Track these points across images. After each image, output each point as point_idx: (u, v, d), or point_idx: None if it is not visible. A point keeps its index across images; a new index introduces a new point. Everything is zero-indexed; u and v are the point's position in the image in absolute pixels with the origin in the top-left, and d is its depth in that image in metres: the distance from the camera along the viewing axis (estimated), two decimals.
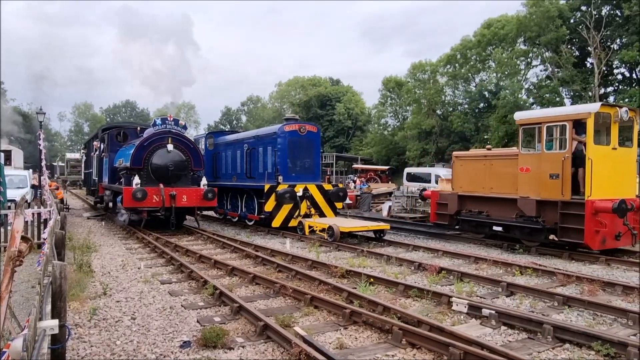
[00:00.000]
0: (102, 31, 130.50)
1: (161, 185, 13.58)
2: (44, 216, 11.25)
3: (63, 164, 54.35)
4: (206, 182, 14.84)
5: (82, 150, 27.96)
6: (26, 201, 15.09)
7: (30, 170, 23.00)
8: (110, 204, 17.16)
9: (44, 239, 8.12)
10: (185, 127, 15.46)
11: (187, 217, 16.03)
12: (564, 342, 5.25)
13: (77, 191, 41.67)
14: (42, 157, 18.17)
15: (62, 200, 19.31)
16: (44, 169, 18.42)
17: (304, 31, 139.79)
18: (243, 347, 5.14)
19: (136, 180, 13.64)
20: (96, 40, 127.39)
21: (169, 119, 14.98)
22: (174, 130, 14.92)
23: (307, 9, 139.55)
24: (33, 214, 11.15)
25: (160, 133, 14.70)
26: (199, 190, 14.27)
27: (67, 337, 3.96)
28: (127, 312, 6.38)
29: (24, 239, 5.06)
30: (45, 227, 10.76)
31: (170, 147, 14.55)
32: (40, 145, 18.49)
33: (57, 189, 23.32)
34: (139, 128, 17.82)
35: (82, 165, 30.56)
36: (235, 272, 8.75)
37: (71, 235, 12.74)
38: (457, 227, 13.59)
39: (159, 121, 14.95)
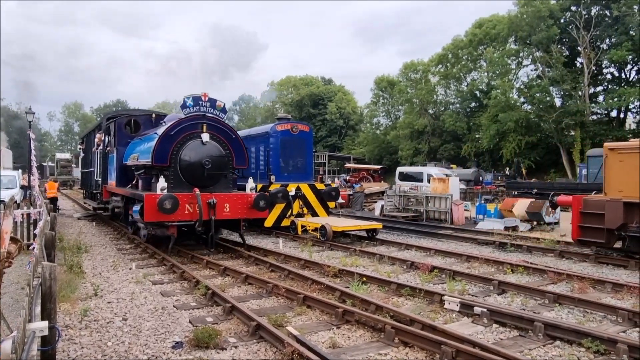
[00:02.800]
0: (94, 30, 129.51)
1: (197, 191, 9.82)
2: (33, 217, 11.13)
3: (53, 164, 53.83)
4: (254, 185, 11.26)
5: (80, 146, 22.62)
6: (15, 202, 14.93)
7: (20, 170, 22.76)
8: (117, 210, 13.60)
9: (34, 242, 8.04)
10: (224, 110, 11.23)
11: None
12: (554, 340, 5.30)
13: (68, 191, 41.30)
14: (32, 157, 17.98)
15: (52, 200, 19.08)
16: (34, 169, 18.23)
17: (298, 31, 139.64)
18: (236, 347, 5.12)
19: (161, 183, 9.80)
20: (88, 39, 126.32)
21: (203, 98, 10.79)
22: (210, 115, 10.83)
23: (302, 8, 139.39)
24: (22, 214, 11.03)
25: (192, 118, 10.62)
26: (246, 197, 10.57)
27: (57, 338, 3.92)
28: (119, 313, 6.33)
29: (13, 240, 5.01)
30: (34, 228, 10.65)
31: (205, 137, 10.53)
32: (30, 145, 18.31)
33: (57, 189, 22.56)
34: (154, 115, 13.88)
35: (79, 163, 25.69)
36: (227, 272, 8.72)
37: (61, 236, 12.62)
38: (618, 247, 10.12)
39: (189, 101, 10.66)
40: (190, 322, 5.96)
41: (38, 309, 3.81)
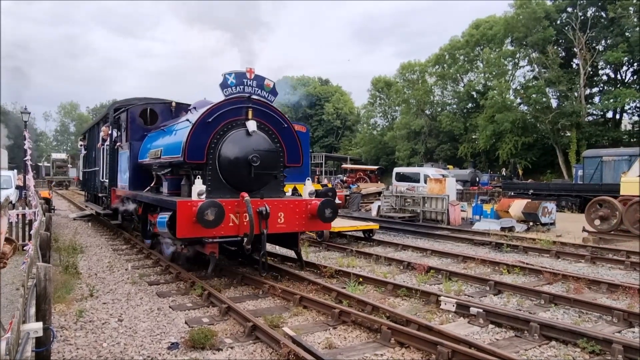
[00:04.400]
0: (91, 30, 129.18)
1: (245, 196, 7.41)
2: (28, 217, 11.08)
3: (49, 164, 53.61)
4: (313, 189, 8.70)
5: (81, 142, 20.04)
6: (10, 202, 14.86)
7: (15, 170, 22.65)
8: (129, 218, 11.73)
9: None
10: (274, 92, 8.64)
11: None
12: (550, 340, 5.31)
13: (63, 192, 41.17)
14: (28, 157, 17.90)
15: (46, 201, 18.99)
16: (29, 169, 18.15)
17: (295, 31, 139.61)
18: (232, 348, 5.11)
19: (199, 186, 7.39)
20: (84, 39, 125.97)
21: (248, 75, 8.27)
22: (256, 97, 8.38)
23: (299, 8, 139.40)
24: (18, 215, 10.98)
25: (235, 101, 8.14)
26: (305, 204, 8.16)
27: (51, 339, 3.90)
28: (114, 314, 6.31)
29: (8, 240, 4.99)
30: (30, 228, 10.60)
31: (252, 125, 8.06)
32: (25, 145, 18.22)
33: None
34: (173, 104, 11.45)
35: (80, 161, 22.00)
36: (223, 272, 8.70)
37: (57, 236, 12.56)
38: None
39: (231, 79, 8.11)
40: (186, 322, 5.94)
41: (33, 310, 3.78)
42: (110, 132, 12.80)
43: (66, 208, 24.71)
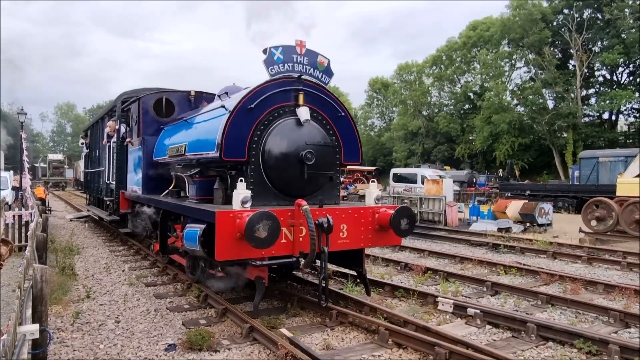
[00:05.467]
0: (87, 30, 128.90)
1: (303, 204, 5.75)
2: (25, 218, 11.04)
3: (45, 165, 53.43)
4: (380, 193, 7.00)
5: (82, 140, 18.31)
6: (7, 203, 14.81)
7: (12, 171, 22.57)
8: (144, 229, 9.62)
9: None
10: (329, 72, 7.04)
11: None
12: (547, 340, 5.32)
13: (60, 193, 41.05)
14: (24, 158, 17.86)
15: (42, 201, 18.94)
16: (26, 170, 18.10)
17: (292, 32, 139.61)
18: (229, 349, 5.10)
19: (243, 191, 5.71)
20: (80, 39, 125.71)
21: (298, 50, 6.72)
22: (308, 79, 6.83)
23: (296, 10, 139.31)
24: (14, 216, 10.93)
25: (282, 82, 6.53)
26: (372, 213, 6.43)
27: (48, 341, 3.89)
28: (111, 316, 6.29)
29: (4, 241, 4.97)
30: (26, 229, 10.56)
31: (304, 113, 6.40)
32: (22, 145, 18.18)
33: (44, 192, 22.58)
34: (192, 93, 9.92)
35: (82, 160, 20.15)
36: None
37: (53, 237, 12.52)
38: None
39: (278, 54, 6.57)
40: (183, 324, 5.93)
41: (29, 312, 3.77)
42: (117, 127, 11.13)
43: (63, 209, 24.64)
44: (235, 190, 5.67)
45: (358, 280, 7.24)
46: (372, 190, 6.96)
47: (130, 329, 5.75)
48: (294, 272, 8.03)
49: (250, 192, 5.71)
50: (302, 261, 5.72)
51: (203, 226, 5.80)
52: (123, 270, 9.15)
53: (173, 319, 6.17)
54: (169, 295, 7.35)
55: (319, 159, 6.24)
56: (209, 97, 9.52)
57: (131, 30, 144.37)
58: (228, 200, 6.18)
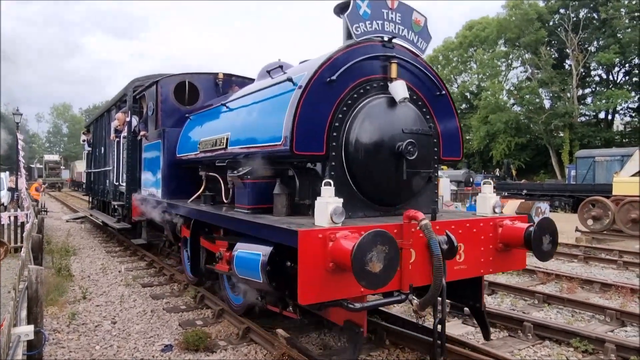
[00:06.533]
0: (83, 30, 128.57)
1: (422, 219, 3.88)
2: (20, 219, 11.00)
3: (41, 166, 53.26)
4: (499, 201, 5.05)
5: (84, 137, 16.61)
6: (2, 204, 14.76)
7: (7, 172, 22.49)
8: (168, 241, 8.81)
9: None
10: (426, 35, 5.15)
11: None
12: (543, 340, 5.33)
13: (56, 193, 40.93)
14: (20, 158, 17.80)
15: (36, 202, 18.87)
16: (22, 171, 18.03)
17: (293, 32, 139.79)
18: (225, 349, 5.09)
19: (333, 201, 3.82)
20: (77, 39, 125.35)
21: (389, 3, 4.83)
22: (401, 44, 5.03)
23: (294, 9, 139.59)
24: (9, 217, 10.88)
25: (368, 47, 4.78)
26: (493, 225, 4.63)
27: (43, 343, 3.87)
28: (108, 317, 6.27)
29: None
30: (22, 230, 10.52)
31: (400, 89, 4.62)
32: (18, 146, 18.11)
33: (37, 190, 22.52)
34: (220, 75, 8.38)
35: (84, 159, 18.59)
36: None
37: (49, 238, 12.47)
38: None
39: (364, 7, 4.67)
40: (180, 325, 5.91)
41: (24, 313, 3.75)
42: (128, 119, 9.48)
43: (59, 210, 24.56)
44: (319, 198, 3.90)
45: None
46: (487, 195, 4.95)
47: (126, 330, 5.73)
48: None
49: (342, 200, 3.88)
50: (415, 300, 4.06)
51: (268, 249, 4.10)
52: (119, 271, 9.12)
53: (169, 319, 6.15)
54: (165, 295, 7.33)
55: (420, 153, 4.61)
56: (239, 81, 8.19)
57: (128, 30, 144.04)
58: (294, 210, 4.75)
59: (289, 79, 4.72)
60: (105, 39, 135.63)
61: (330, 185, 3.90)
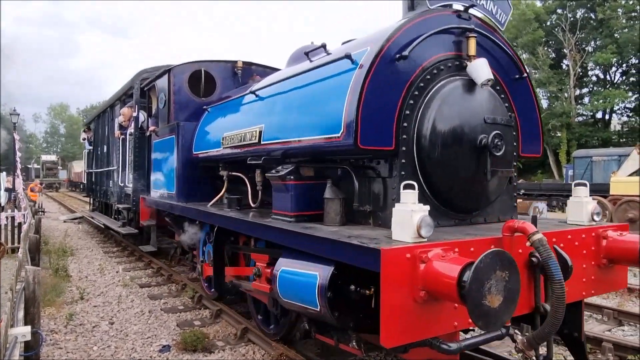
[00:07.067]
0: (82, 30, 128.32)
1: (535, 233, 3.03)
2: (17, 220, 10.97)
3: (38, 166, 53.14)
4: (598, 207, 4.12)
5: (84, 136, 15.77)
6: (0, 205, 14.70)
7: (4, 172, 22.41)
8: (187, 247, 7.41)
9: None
10: (506, 5, 4.25)
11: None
12: None
13: (53, 194, 40.84)
14: (17, 159, 17.74)
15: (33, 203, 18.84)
16: (19, 171, 17.98)
17: (290, 32, 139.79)
18: (223, 350, 5.09)
19: (417, 206, 3.00)
20: (75, 39, 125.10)
21: None
22: (478, 17, 4.19)
23: (294, 8, 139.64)
24: (7, 217, 10.86)
25: (442, 18, 3.92)
26: (594, 237, 3.81)
27: (40, 343, 3.86)
28: (105, 317, 6.25)
29: None
30: (19, 231, 10.50)
31: (483, 70, 3.73)
32: (15, 147, 18.05)
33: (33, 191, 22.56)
34: (240, 63, 7.65)
35: (84, 159, 17.67)
36: None
37: (47, 239, 12.44)
38: None
39: None
40: (177, 325, 5.90)
41: (21, 314, 3.75)
42: (135, 114, 8.84)
43: (56, 210, 24.51)
44: (398, 205, 3.10)
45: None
46: (583, 199, 4.04)
47: (124, 331, 5.72)
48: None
49: (428, 207, 3.09)
50: (519, 335, 3.28)
51: (328, 270, 3.29)
52: (117, 272, 9.11)
53: (167, 320, 6.14)
54: (163, 296, 7.32)
55: (506, 147, 3.84)
56: (260, 71, 7.57)
57: (127, 30, 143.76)
58: (351, 217, 3.96)
59: (347, 56, 3.79)
60: (104, 39, 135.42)
61: (413, 188, 3.07)
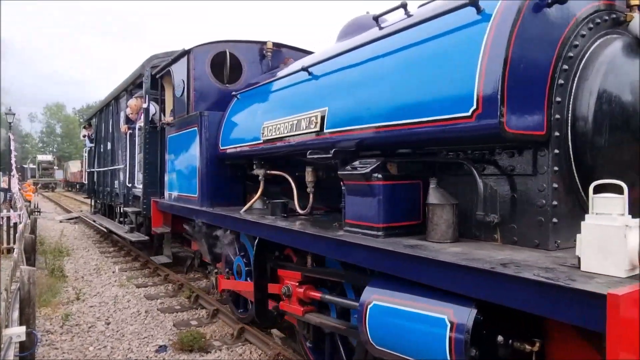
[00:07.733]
0: (81, 30, 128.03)
1: None
2: (13, 220, 10.92)
3: (34, 166, 52.96)
4: None
5: (84, 132, 14.77)
6: None
7: (0, 172, 22.31)
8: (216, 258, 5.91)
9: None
10: None
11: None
12: None
13: (49, 194, 40.70)
14: (13, 159, 17.65)
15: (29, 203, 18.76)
16: (14, 171, 17.90)
17: (288, 32, 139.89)
18: (220, 350, 5.08)
19: (631, 220, 1.85)
20: (73, 39, 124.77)
21: None
22: None
23: (291, 9, 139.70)
24: (2, 217, 10.81)
25: None
26: None
27: (35, 344, 3.84)
28: (101, 317, 6.23)
29: None
30: (15, 231, 10.45)
31: None
32: (10, 146, 17.96)
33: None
34: (270, 44, 6.50)
35: (85, 158, 16.57)
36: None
37: (42, 239, 12.38)
38: None
39: None
40: (174, 325, 5.89)
41: (16, 314, 3.73)
42: (145, 105, 7.88)
43: (52, 210, 24.43)
44: (589, 216, 2.05)
45: None
46: None
47: (120, 331, 5.70)
48: None
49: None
50: None
51: (467, 312, 2.23)
52: (113, 272, 9.07)
53: (164, 320, 6.12)
54: (159, 296, 7.29)
55: None
56: (293, 54, 6.58)
57: (125, 30, 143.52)
58: (463, 230, 2.93)
59: (472, 3, 2.62)
60: (103, 39, 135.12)
61: (620, 191, 1.99)
